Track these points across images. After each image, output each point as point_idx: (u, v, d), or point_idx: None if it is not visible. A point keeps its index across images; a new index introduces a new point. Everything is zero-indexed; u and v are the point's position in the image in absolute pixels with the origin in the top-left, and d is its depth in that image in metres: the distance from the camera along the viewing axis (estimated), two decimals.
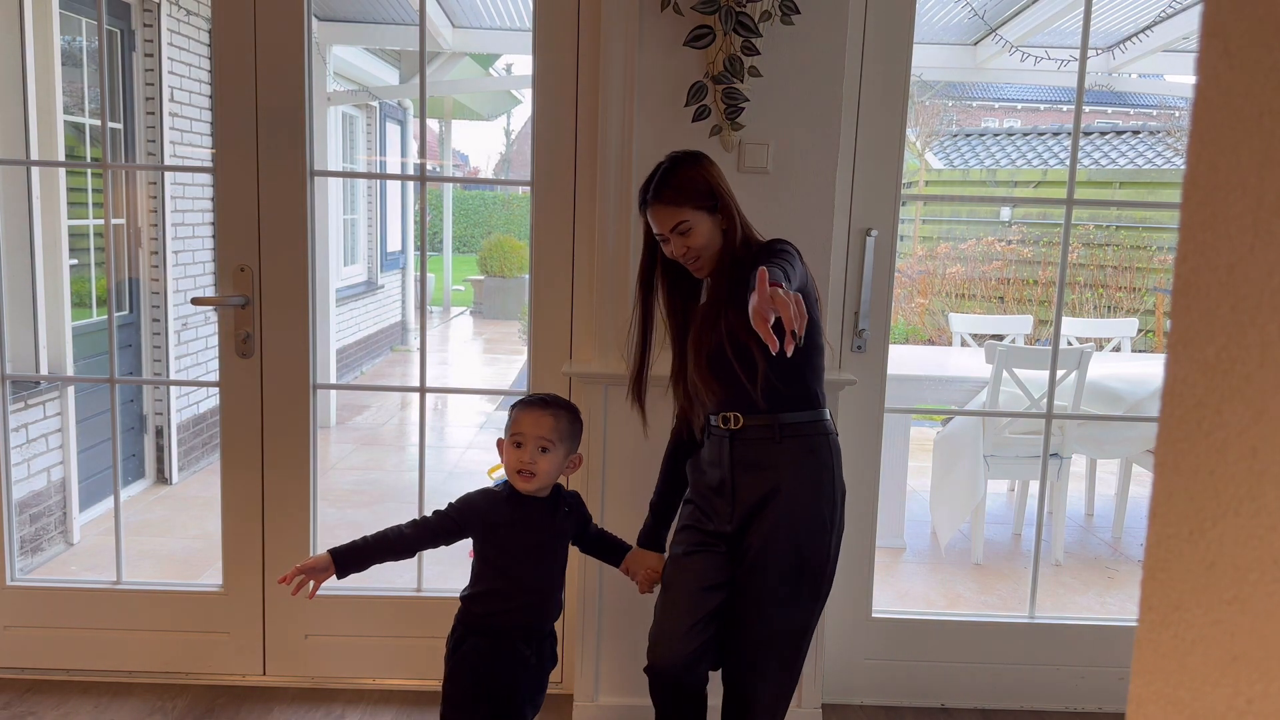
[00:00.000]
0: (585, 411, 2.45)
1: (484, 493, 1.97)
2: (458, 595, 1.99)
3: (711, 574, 1.93)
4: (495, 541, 1.94)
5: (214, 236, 4.67)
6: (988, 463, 3.81)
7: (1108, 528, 4.39)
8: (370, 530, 1.98)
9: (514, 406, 1.96)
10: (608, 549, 2.14)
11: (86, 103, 4.14)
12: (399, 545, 1.93)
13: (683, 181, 1.89)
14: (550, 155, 2.53)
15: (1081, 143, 9.86)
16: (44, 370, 3.63)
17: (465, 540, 1.98)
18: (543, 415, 1.92)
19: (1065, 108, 16.63)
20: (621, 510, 2.43)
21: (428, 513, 1.99)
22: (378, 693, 2.68)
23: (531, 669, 1.95)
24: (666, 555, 2.06)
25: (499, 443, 1.97)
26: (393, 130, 9.59)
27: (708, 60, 2.30)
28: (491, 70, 13.15)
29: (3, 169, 3.45)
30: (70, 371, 3.80)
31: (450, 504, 1.97)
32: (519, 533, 1.93)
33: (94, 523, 4.01)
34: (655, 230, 1.93)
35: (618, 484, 2.46)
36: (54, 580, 2.89)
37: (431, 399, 7.23)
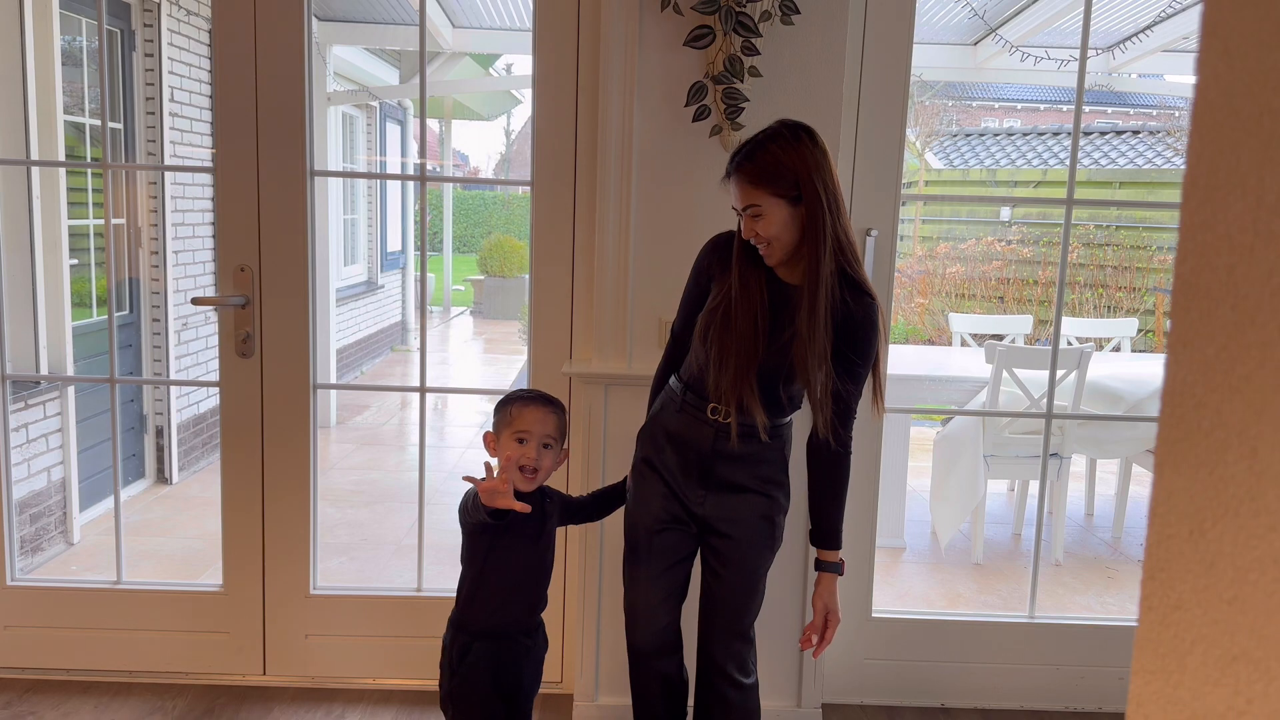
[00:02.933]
0: (585, 411, 2.46)
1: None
2: (454, 601, 1.97)
3: (681, 549, 1.99)
4: (498, 545, 1.92)
5: (214, 236, 4.67)
6: (988, 463, 3.81)
7: (1108, 528, 4.39)
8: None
9: (512, 402, 1.93)
10: (609, 499, 2.13)
11: (86, 103, 4.14)
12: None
13: (768, 160, 1.74)
14: (550, 155, 2.53)
15: (1081, 143, 9.86)
16: (44, 370, 3.63)
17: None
18: (547, 413, 1.91)
19: (1065, 108, 16.63)
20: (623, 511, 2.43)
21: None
22: (378, 693, 2.68)
23: (533, 657, 1.99)
24: (630, 515, 2.05)
25: (487, 437, 1.94)
26: (393, 130, 9.59)
27: (708, 60, 2.30)
28: (491, 70, 13.15)
29: (3, 169, 3.45)
30: (70, 371, 3.80)
31: (465, 506, 1.92)
32: (520, 532, 1.92)
33: (94, 523, 4.01)
34: (732, 202, 1.81)
35: None
36: (54, 580, 2.89)
37: (431, 399, 7.23)
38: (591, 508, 2.14)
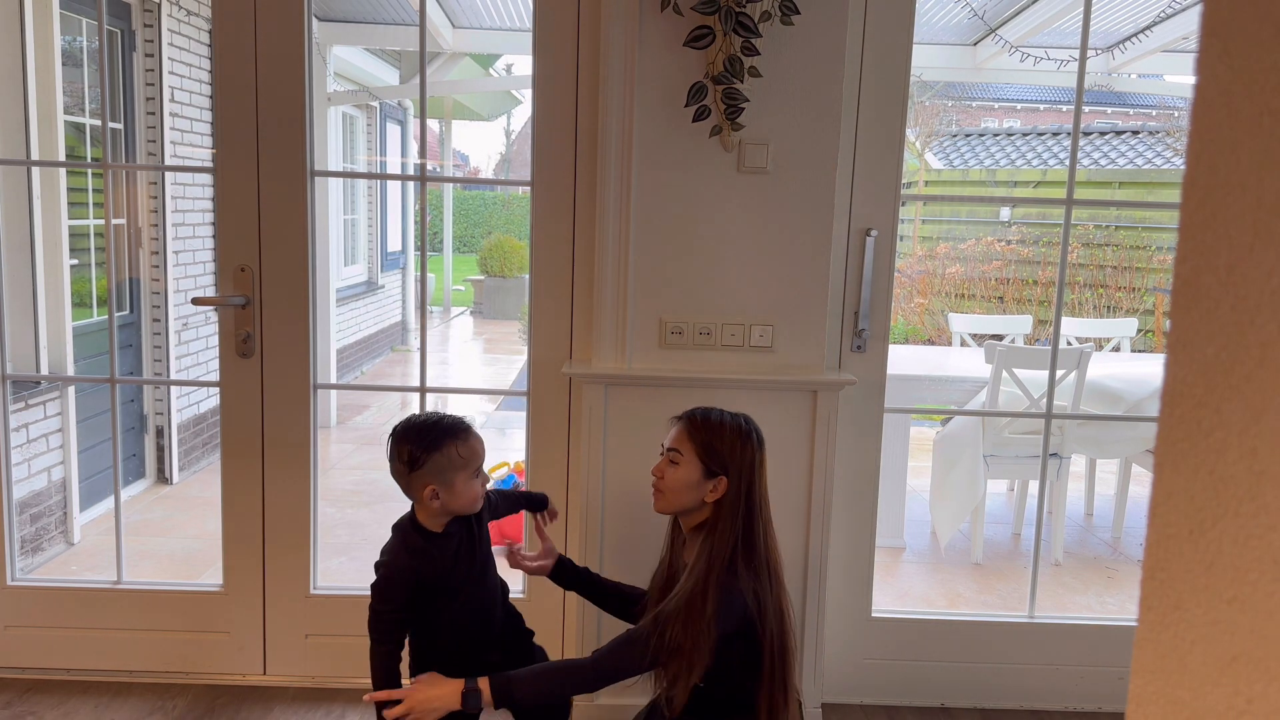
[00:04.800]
0: (585, 411, 2.46)
1: (401, 551, 1.81)
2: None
3: None
4: (445, 587, 1.82)
5: (214, 236, 4.67)
6: (987, 462, 3.81)
7: (1107, 527, 4.39)
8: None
9: (455, 442, 1.78)
10: (519, 500, 2.08)
11: (87, 103, 4.14)
12: (396, 670, 1.80)
13: (715, 430, 1.84)
14: (550, 155, 2.53)
15: (1081, 143, 9.85)
16: (44, 370, 3.63)
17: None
18: (479, 439, 1.83)
19: (1065, 108, 16.64)
20: (623, 511, 2.43)
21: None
22: None
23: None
24: None
25: (428, 492, 1.77)
26: (393, 130, 9.59)
27: (708, 60, 2.30)
28: (491, 70, 13.15)
29: (3, 169, 3.45)
30: (71, 371, 3.80)
31: (382, 598, 1.78)
32: (464, 562, 1.84)
33: (94, 522, 4.01)
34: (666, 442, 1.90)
35: (619, 484, 2.46)
36: (54, 580, 2.89)
37: (432, 399, 7.23)
38: (506, 505, 2.05)
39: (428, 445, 1.76)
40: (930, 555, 4.06)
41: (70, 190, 3.85)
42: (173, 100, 4.49)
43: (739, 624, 1.76)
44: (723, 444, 1.82)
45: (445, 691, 1.68)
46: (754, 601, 1.77)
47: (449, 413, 1.88)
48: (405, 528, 1.83)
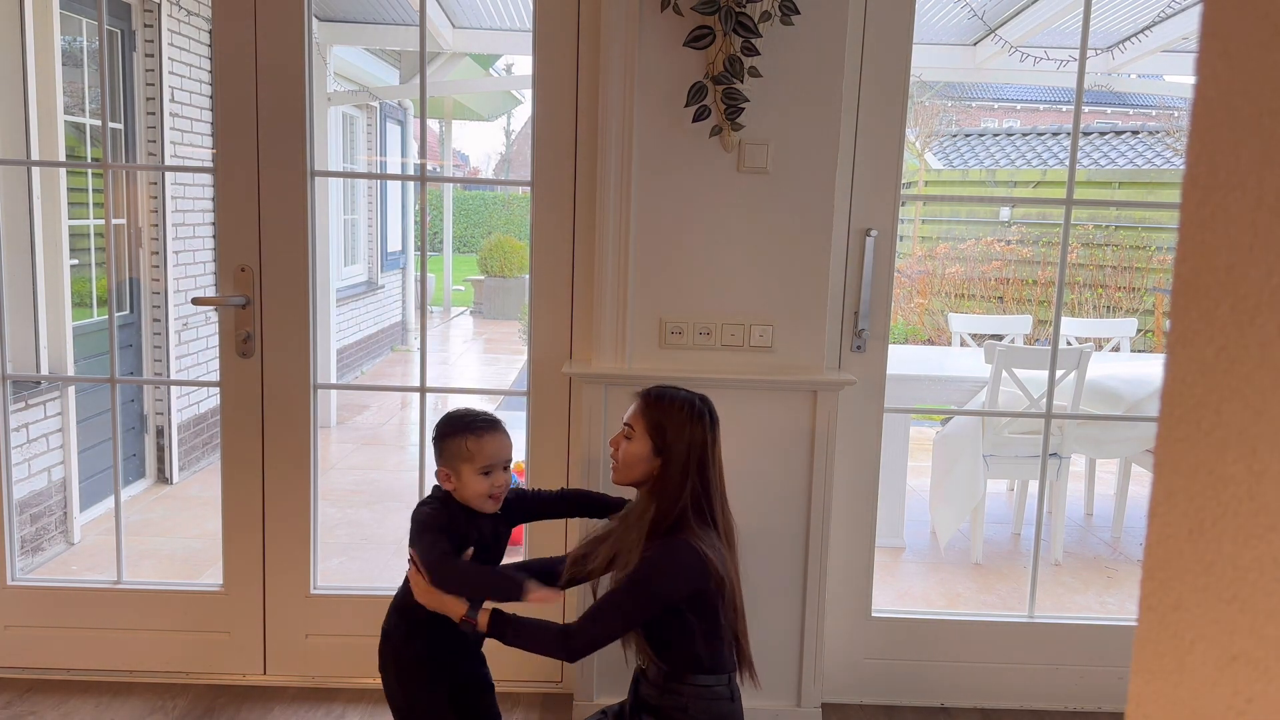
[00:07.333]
0: (585, 411, 2.46)
1: (431, 500, 1.88)
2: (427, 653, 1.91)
3: None
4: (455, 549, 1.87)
5: (214, 236, 4.67)
6: (987, 462, 3.81)
7: (1107, 527, 4.39)
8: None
9: (465, 434, 1.84)
10: (589, 505, 2.07)
11: (87, 103, 4.14)
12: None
13: (667, 409, 1.88)
14: (550, 155, 2.53)
15: (1081, 143, 9.85)
16: (44, 370, 3.63)
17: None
18: (504, 436, 1.88)
19: (1065, 108, 16.64)
20: None
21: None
22: (378, 692, 2.67)
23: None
24: None
25: (442, 474, 1.86)
26: (393, 130, 9.59)
27: (708, 60, 2.30)
28: (491, 70, 13.16)
29: (3, 169, 3.45)
30: (71, 371, 3.80)
31: (423, 529, 1.84)
32: (477, 550, 1.88)
33: (94, 522, 4.01)
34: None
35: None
36: (55, 580, 2.89)
37: (432, 399, 7.22)
38: (560, 507, 2.07)
39: (445, 432, 1.87)
40: (930, 555, 4.06)
41: (70, 190, 3.85)
42: (173, 100, 4.49)
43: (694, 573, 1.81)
44: (670, 419, 1.88)
45: (450, 606, 1.81)
46: (711, 552, 1.82)
47: (490, 412, 1.93)
48: (439, 491, 1.89)
